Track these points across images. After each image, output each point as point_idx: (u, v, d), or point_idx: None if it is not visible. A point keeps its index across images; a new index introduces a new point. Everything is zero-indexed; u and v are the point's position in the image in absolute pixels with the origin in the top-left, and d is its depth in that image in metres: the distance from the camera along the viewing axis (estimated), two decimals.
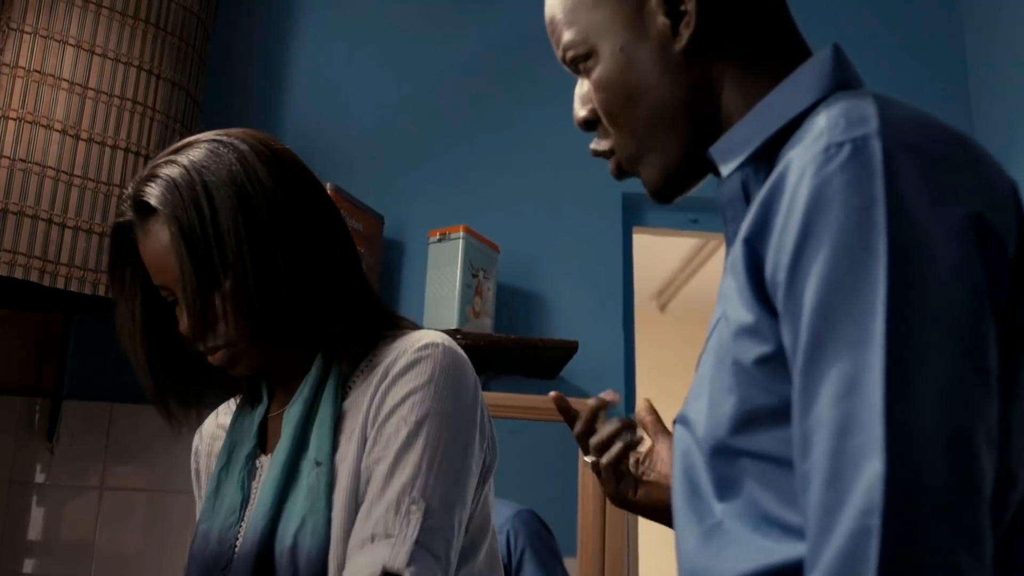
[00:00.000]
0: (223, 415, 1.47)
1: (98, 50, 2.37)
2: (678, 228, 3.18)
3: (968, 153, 0.92)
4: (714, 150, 1.08)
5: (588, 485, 2.67)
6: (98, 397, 2.66)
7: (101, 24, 2.38)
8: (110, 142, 2.34)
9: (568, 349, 2.69)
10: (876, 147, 0.87)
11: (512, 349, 2.68)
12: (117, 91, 2.37)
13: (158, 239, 1.28)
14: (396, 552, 1.16)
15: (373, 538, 1.17)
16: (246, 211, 1.26)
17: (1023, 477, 0.91)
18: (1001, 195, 0.91)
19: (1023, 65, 3.08)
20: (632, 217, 3.09)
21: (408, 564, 1.15)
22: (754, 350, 0.93)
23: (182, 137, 2.56)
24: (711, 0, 1.08)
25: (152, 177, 1.30)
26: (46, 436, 2.60)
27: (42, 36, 2.32)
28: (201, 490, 1.47)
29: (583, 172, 3.00)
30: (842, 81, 1.02)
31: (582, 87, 1.16)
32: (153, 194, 1.28)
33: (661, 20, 1.09)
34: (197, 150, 1.31)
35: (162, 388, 1.38)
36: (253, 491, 1.33)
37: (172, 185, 1.27)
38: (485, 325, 2.72)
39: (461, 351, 1.30)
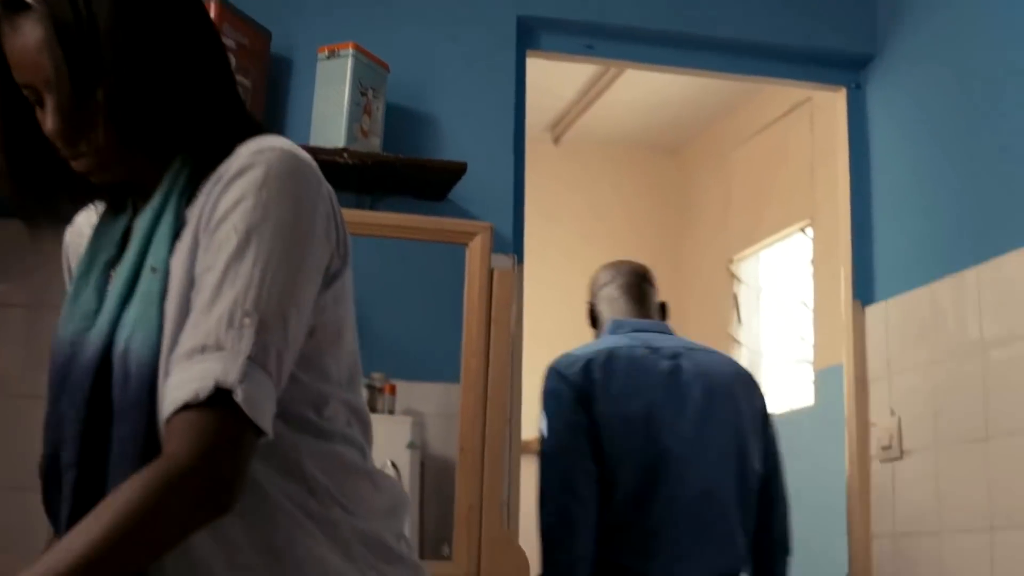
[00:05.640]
0: (95, 213, 1.42)
1: None
2: (573, 53, 3.15)
3: None
4: None
5: (473, 307, 2.69)
6: None
7: None
8: None
9: (456, 171, 2.67)
10: None
11: (400, 169, 2.66)
12: None
13: (29, 36, 1.23)
14: (228, 367, 1.13)
15: (204, 349, 1.15)
16: (123, 12, 1.23)
17: None
18: None
19: None
20: (526, 40, 3.04)
21: (241, 380, 1.13)
22: None
23: None
24: None
25: None
26: None
27: None
28: None
29: None
30: None
31: None
32: None
33: None
34: None
35: (23, 195, 1.34)
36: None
37: None
38: (373, 144, 2.68)
39: (304, 155, 1.26)
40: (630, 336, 2.75)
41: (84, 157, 1.28)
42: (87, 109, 1.24)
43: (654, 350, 2.71)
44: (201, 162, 1.28)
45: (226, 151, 1.26)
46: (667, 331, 2.85)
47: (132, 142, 1.26)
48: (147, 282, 1.23)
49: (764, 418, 2.81)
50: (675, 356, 2.72)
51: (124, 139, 1.26)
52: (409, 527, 2.62)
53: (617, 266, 2.94)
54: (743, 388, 2.78)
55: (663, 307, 2.94)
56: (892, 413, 2.98)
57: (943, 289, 2.84)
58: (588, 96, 5.31)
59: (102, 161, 1.28)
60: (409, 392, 2.78)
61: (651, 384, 2.66)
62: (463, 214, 2.81)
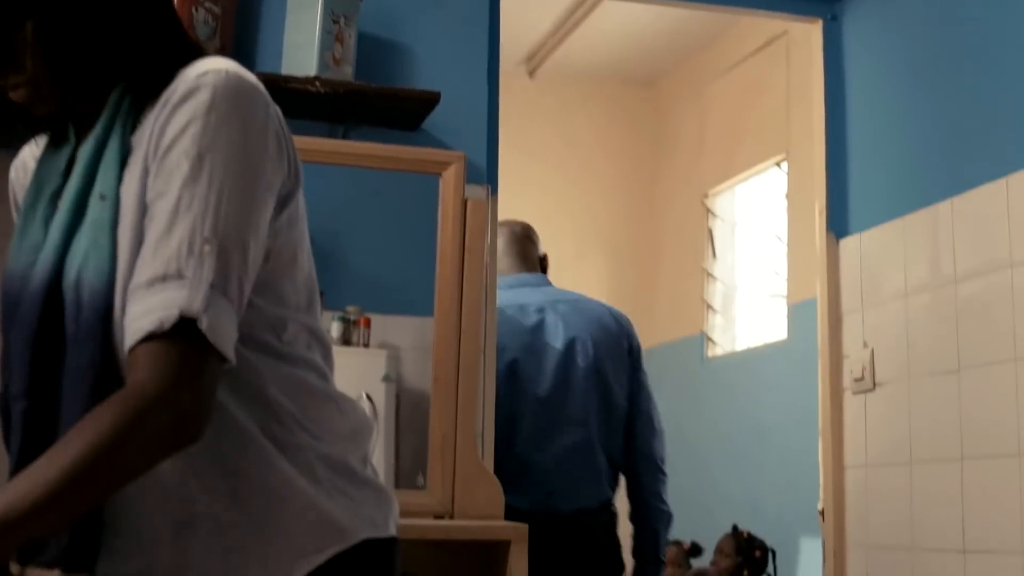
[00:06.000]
0: (39, 146, 1.40)
1: None
2: None
3: None
4: None
5: (447, 237, 2.67)
6: None
7: None
8: None
9: (429, 100, 2.64)
10: None
11: (372, 98, 2.62)
12: None
13: None
14: (192, 296, 1.12)
15: (165, 278, 1.13)
16: None
17: None
18: None
19: None
20: None
21: (205, 309, 1.13)
22: None
23: None
24: None
25: None
26: None
27: None
28: None
29: None
30: None
31: None
32: None
33: None
34: None
35: None
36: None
37: None
38: (345, 73, 2.64)
39: (249, 75, 1.23)
40: (505, 293, 2.99)
41: (20, 88, 1.26)
42: (17, 40, 1.23)
43: (522, 307, 3.01)
44: (143, 89, 1.26)
45: (168, 76, 1.24)
46: (544, 284, 3.14)
47: (65, 73, 1.25)
48: (96, 210, 1.21)
49: (630, 355, 3.08)
50: (541, 310, 3.03)
51: (56, 70, 1.24)
52: (377, 452, 2.63)
53: (499, 226, 3.13)
54: (604, 332, 3.04)
55: (543, 260, 3.20)
56: (865, 345, 2.99)
57: (917, 222, 2.84)
58: (564, 28, 5.26)
59: (38, 92, 1.26)
60: (384, 325, 2.77)
61: (515, 342, 2.96)
62: (437, 144, 2.77)
